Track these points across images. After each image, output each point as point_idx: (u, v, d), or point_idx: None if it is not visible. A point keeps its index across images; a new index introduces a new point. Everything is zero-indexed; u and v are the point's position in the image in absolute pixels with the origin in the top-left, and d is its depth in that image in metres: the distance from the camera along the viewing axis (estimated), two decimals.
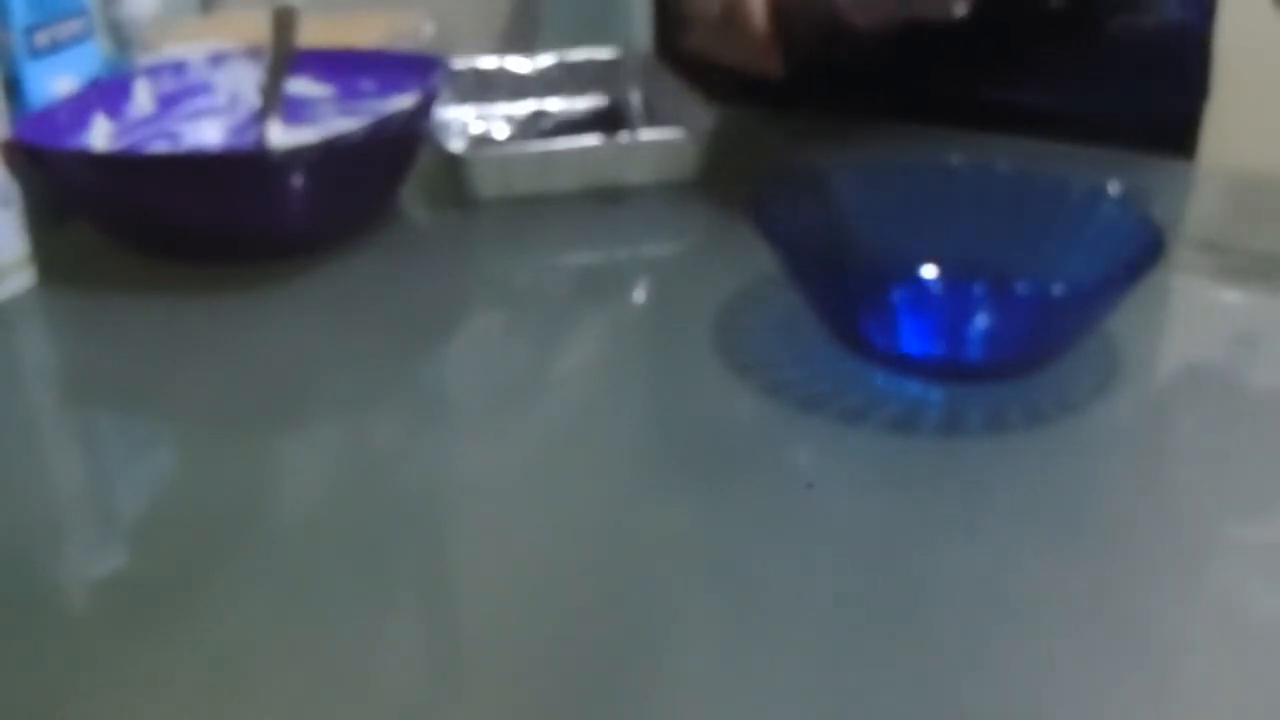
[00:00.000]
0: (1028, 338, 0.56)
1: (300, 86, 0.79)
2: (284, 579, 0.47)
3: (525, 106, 0.90)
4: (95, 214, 0.71)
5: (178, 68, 0.79)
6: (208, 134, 0.79)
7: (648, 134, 0.79)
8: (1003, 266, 0.59)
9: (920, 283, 0.60)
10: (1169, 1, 0.87)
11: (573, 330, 0.66)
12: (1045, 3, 0.84)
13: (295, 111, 0.79)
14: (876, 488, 0.51)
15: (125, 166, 0.70)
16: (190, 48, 0.81)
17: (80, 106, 0.74)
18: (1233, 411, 0.57)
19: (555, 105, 0.90)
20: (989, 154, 0.64)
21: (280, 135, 0.77)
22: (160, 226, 0.68)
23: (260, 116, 0.77)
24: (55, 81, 0.73)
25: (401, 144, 0.74)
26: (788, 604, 0.45)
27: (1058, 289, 0.55)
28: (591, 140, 0.77)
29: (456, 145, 0.80)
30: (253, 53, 0.80)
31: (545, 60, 0.91)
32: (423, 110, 0.74)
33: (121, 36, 0.80)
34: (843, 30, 0.71)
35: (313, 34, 0.77)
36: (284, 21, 0.75)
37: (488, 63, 0.90)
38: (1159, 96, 0.88)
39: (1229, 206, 0.80)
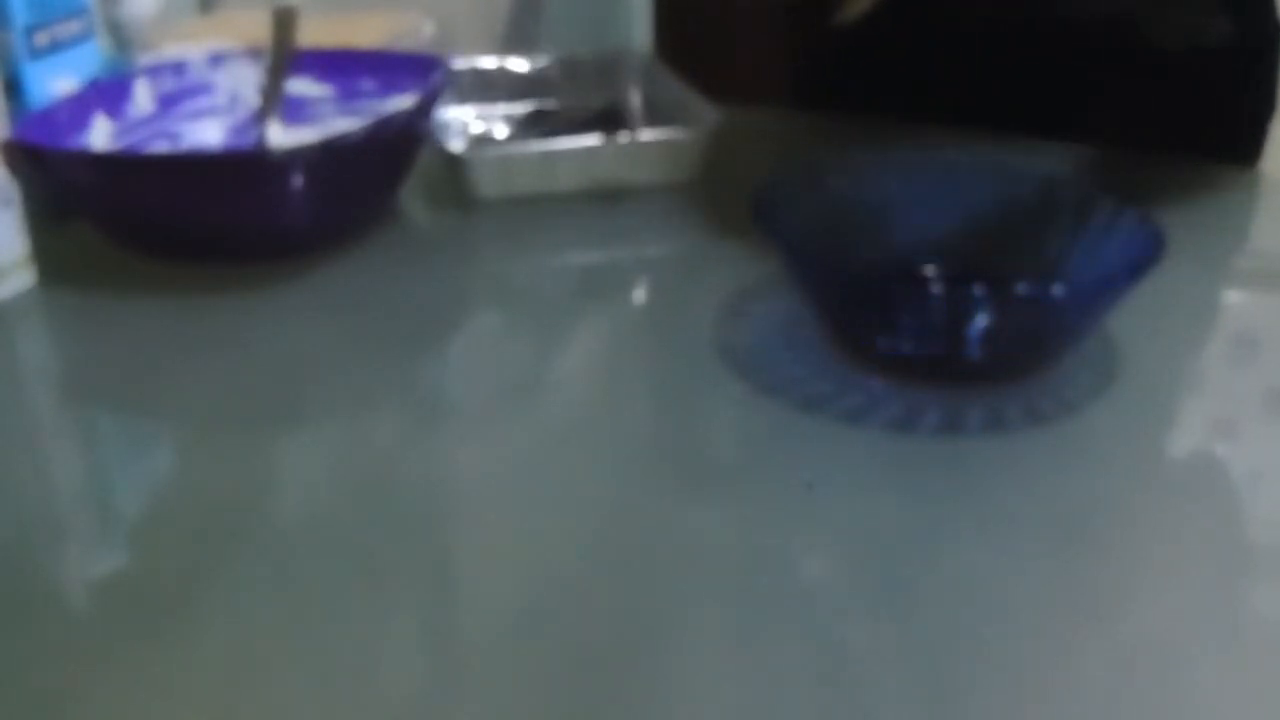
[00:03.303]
0: (1028, 338, 0.56)
1: (300, 86, 0.79)
2: (284, 579, 0.47)
3: (525, 106, 0.90)
4: (95, 214, 0.71)
5: (178, 68, 0.79)
6: (208, 134, 0.79)
7: (648, 134, 0.79)
8: (1003, 266, 0.59)
9: (920, 283, 0.60)
10: (1227, 15, 0.87)
11: (573, 330, 0.66)
12: (1089, 21, 0.84)
13: (295, 111, 0.79)
14: (876, 488, 0.51)
15: (125, 166, 0.70)
16: (190, 48, 0.81)
17: (80, 106, 0.74)
18: (1233, 412, 0.57)
19: (555, 105, 0.90)
20: (990, 154, 0.64)
21: (280, 135, 0.77)
22: (160, 226, 0.68)
23: (260, 116, 0.77)
24: (55, 81, 0.73)
25: (401, 144, 0.74)
26: (787, 604, 0.45)
27: (1058, 289, 0.55)
28: (591, 140, 0.77)
29: (456, 145, 0.80)
30: (253, 53, 0.80)
31: (545, 60, 0.91)
32: (423, 110, 0.74)
33: (121, 36, 0.80)
34: None
35: (313, 34, 0.77)
36: (284, 21, 0.75)
37: (488, 63, 0.90)
38: (1221, 111, 0.88)
39: (1232, 207, 0.79)
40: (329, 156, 0.67)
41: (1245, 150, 0.89)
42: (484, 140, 0.87)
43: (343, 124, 0.78)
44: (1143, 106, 0.86)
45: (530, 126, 0.88)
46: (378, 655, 0.43)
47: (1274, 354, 0.62)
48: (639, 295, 0.71)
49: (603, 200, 0.77)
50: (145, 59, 0.80)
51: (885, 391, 0.56)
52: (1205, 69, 0.86)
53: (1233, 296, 0.68)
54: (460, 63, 0.88)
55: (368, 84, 0.80)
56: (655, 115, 0.84)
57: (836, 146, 0.82)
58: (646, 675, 0.42)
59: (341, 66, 0.81)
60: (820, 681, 0.41)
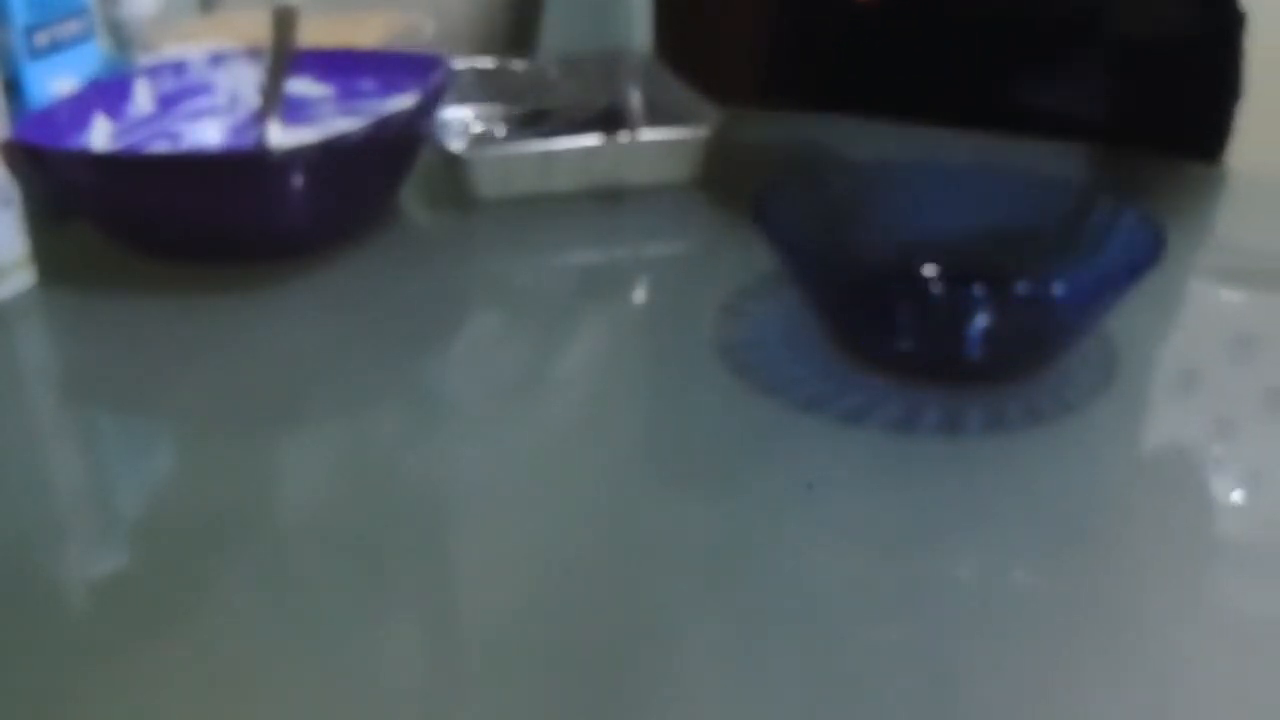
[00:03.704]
0: (1028, 338, 0.56)
1: (300, 86, 0.79)
2: (284, 579, 0.47)
3: (525, 106, 0.90)
4: (95, 214, 0.71)
5: (178, 68, 0.79)
6: (208, 134, 0.79)
7: (648, 134, 0.79)
8: (1003, 266, 0.59)
9: (920, 283, 0.60)
10: (1192, 2, 0.87)
11: (573, 330, 0.66)
12: (1060, 6, 0.84)
13: (295, 111, 0.79)
14: (876, 488, 0.51)
15: (125, 166, 0.70)
16: (190, 48, 0.81)
17: (80, 106, 0.74)
18: (1232, 412, 0.57)
19: (555, 105, 0.90)
20: (990, 154, 0.64)
21: (280, 135, 0.77)
22: (160, 226, 0.68)
23: (260, 116, 0.77)
24: (55, 81, 0.73)
25: (401, 144, 0.74)
26: (788, 604, 0.45)
27: (1058, 289, 0.55)
28: (591, 140, 0.77)
29: (456, 145, 0.80)
30: (253, 53, 0.80)
31: (545, 60, 0.91)
32: (423, 110, 0.74)
33: (121, 36, 0.80)
34: None
35: (313, 34, 0.77)
36: (284, 21, 0.75)
37: (488, 63, 0.90)
38: (1186, 100, 0.88)
39: (1256, 212, 0.79)
40: (329, 156, 0.67)
41: (1211, 139, 0.89)
42: (484, 140, 0.87)
43: (343, 124, 0.78)
44: (1108, 97, 0.86)
45: (530, 126, 0.88)
46: (378, 654, 0.43)
47: (1273, 354, 0.62)
48: (639, 295, 0.71)
49: (603, 200, 0.77)
50: (145, 59, 0.80)
51: (885, 391, 0.56)
52: (1169, 57, 0.86)
53: (1232, 296, 0.68)
54: (460, 63, 0.88)
55: (368, 84, 0.80)
56: (655, 115, 0.84)
57: (836, 146, 0.82)
58: (646, 674, 0.42)
59: (341, 66, 0.81)
60: (820, 681, 0.41)
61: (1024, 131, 0.77)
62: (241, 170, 0.68)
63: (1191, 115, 0.89)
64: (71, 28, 0.74)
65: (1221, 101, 0.90)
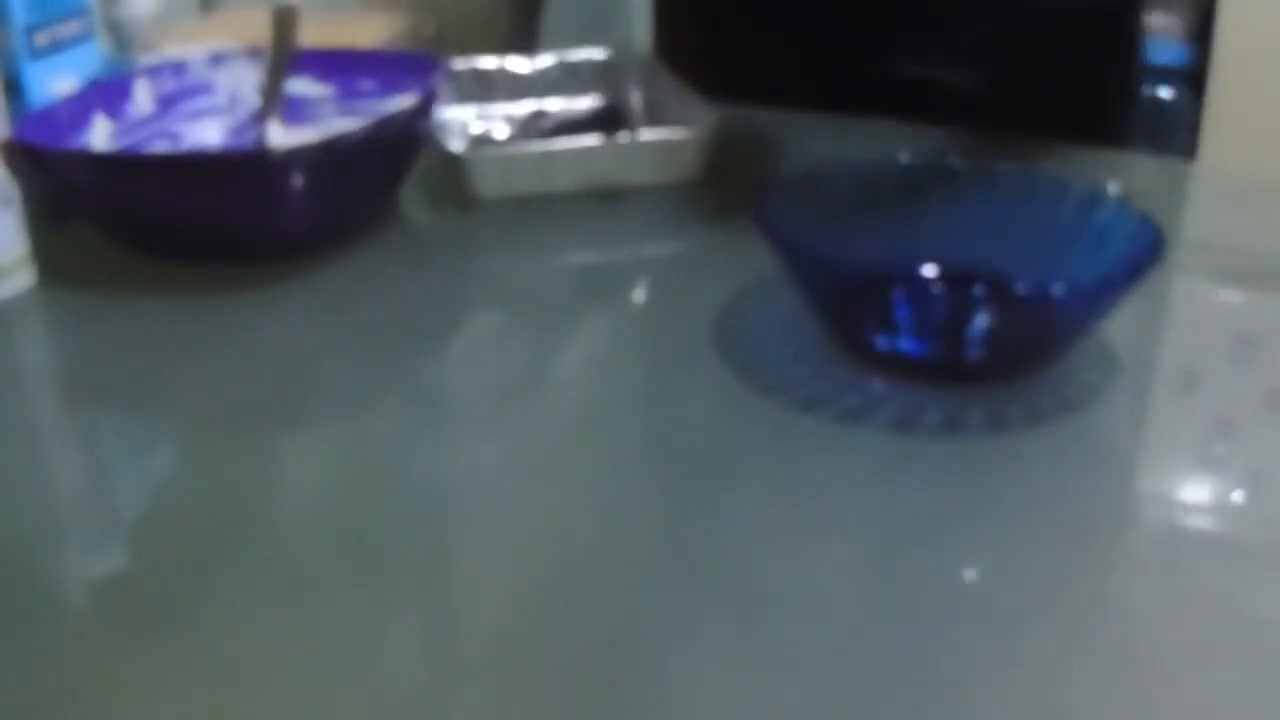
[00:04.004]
0: (1028, 338, 0.56)
1: (300, 86, 0.79)
2: (284, 579, 0.47)
3: (525, 106, 0.90)
4: (95, 214, 0.71)
5: (178, 68, 0.79)
6: (208, 134, 0.79)
7: (648, 134, 0.79)
8: (1003, 266, 0.59)
9: (920, 283, 0.60)
10: None
11: (573, 330, 0.66)
12: None
13: (295, 111, 0.79)
14: (876, 488, 0.51)
15: (125, 166, 0.70)
16: (190, 48, 0.81)
17: (80, 106, 0.74)
18: (1233, 412, 0.57)
19: (555, 105, 0.90)
20: (989, 154, 0.64)
21: (280, 135, 0.77)
22: (160, 226, 0.68)
23: (260, 116, 0.77)
24: (55, 81, 0.73)
25: (401, 144, 0.74)
26: (787, 604, 0.45)
27: (1058, 289, 0.55)
28: (591, 140, 0.77)
29: (456, 145, 0.80)
30: (253, 53, 0.80)
31: (545, 60, 0.91)
32: (423, 110, 0.74)
33: (121, 36, 0.80)
34: None
35: (313, 34, 0.77)
36: (284, 21, 0.75)
37: (488, 63, 0.90)
38: (1084, 77, 0.87)
39: (1228, 207, 0.80)
40: (329, 156, 0.67)
41: (1112, 122, 0.89)
42: (484, 140, 0.87)
43: (343, 124, 0.78)
44: (1006, 74, 0.85)
45: (530, 126, 0.88)
46: (378, 654, 0.43)
47: (1273, 354, 0.62)
48: (639, 295, 0.71)
49: (603, 200, 0.77)
50: (145, 59, 0.80)
51: (885, 391, 0.56)
52: (1067, 32, 0.85)
53: (1232, 296, 0.68)
54: (460, 63, 0.88)
55: (368, 84, 0.80)
56: (655, 115, 0.84)
57: (836, 146, 0.82)
58: (645, 674, 0.42)
59: (341, 66, 0.81)
60: (820, 681, 0.41)
61: (917, 111, 0.77)
62: (241, 170, 0.68)
63: (1089, 92, 0.88)
64: (71, 28, 0.74)
65: (1122, 78, 0.89)
